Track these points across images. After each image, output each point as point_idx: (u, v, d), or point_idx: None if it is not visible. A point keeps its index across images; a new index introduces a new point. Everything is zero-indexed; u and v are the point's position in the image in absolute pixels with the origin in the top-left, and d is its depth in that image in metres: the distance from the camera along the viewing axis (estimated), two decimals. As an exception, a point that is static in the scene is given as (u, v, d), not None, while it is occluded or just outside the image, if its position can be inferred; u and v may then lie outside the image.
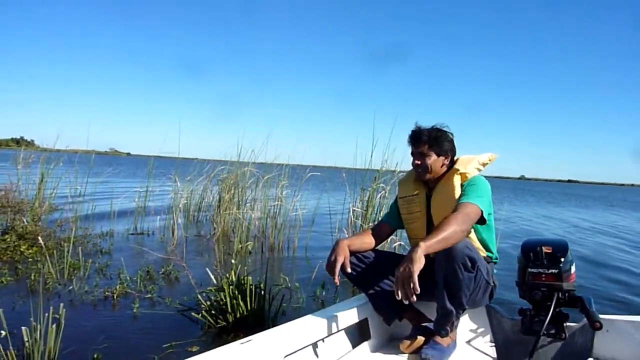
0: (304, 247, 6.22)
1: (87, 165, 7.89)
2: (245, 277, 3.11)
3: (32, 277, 3.85)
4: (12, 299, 3.35)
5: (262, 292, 3.13)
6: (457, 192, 2.16)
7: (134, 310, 3.27)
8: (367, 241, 2.35)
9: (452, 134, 2.30)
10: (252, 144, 7.11)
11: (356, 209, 5.66)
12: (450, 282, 1.98)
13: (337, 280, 2.09)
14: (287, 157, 6.96)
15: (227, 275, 3.16)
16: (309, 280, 4.28)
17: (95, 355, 2.44)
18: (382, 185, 5.62)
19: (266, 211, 6.39)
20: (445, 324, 2.09)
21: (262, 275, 3.62)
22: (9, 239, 5.12)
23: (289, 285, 3.61)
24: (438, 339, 2.12)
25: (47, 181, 7.23)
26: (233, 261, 3.51)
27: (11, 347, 2.30)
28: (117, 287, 3.64)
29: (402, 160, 5.62)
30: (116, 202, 7.53)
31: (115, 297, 3.54)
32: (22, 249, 4.92)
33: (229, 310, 3.00)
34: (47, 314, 2.38)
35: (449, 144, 2.26)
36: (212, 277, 3.37)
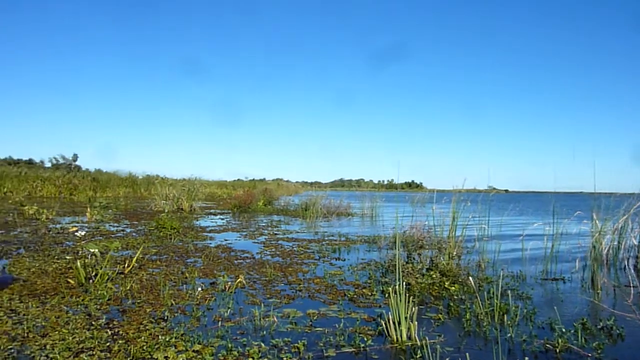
0: None
1: (480, 204, 7.99)
2: None
3: (467, 316, 3.97)
4: (455, 338, 3.51)
5: None
6: None
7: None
8: None
9: None
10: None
11: None
12: None
13: None
14: None
15: None
16: None
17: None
18: None
19: None
20: None
21: None
22: (434, 275, 5.61)
23: None
24: None
25: (457, 222, 7.70)
26: None
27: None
28: (559, 340, 3.31)
29: None
30: (524, 242, 7.31)
31: (557, 351, 3.22)
32: (446, 285, 5.27)
33: None
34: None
35: None
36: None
